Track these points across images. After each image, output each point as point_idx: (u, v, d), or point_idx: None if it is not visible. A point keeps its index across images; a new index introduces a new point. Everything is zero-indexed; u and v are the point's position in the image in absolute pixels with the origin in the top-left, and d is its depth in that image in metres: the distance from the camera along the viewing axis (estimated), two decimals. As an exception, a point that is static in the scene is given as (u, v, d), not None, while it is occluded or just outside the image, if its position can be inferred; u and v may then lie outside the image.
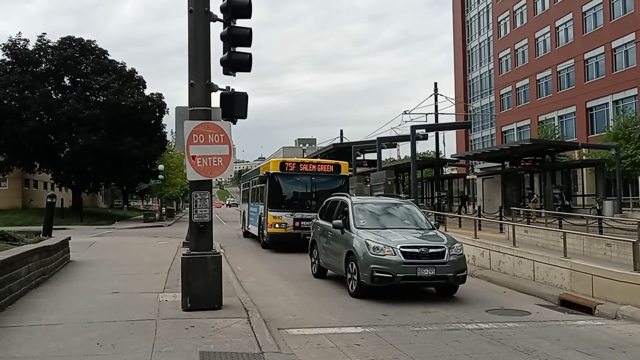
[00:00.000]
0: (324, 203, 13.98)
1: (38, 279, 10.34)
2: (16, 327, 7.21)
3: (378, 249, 10.10)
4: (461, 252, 10.62)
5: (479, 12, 70.65)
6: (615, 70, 43.74)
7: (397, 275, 9.87)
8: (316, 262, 13.08)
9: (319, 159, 23.64)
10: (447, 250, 10.22)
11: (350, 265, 10.69)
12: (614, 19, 44.07)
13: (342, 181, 19.55)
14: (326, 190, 18.86)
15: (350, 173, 21.72)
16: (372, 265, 9.96)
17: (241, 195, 30.95)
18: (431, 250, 10.19)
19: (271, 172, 19.21)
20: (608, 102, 44.60)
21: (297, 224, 18.59)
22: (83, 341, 6.60)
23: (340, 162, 20.69)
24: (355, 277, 10.38)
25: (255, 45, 8.85)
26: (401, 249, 10.02)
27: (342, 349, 6.96)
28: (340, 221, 11.57)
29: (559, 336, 7.93)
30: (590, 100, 46.54)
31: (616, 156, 33.06)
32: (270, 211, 18.88)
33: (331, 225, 11.99)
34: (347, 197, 12.84)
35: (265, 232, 19.38)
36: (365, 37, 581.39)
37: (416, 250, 10.10)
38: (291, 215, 18.67)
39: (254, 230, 22.78)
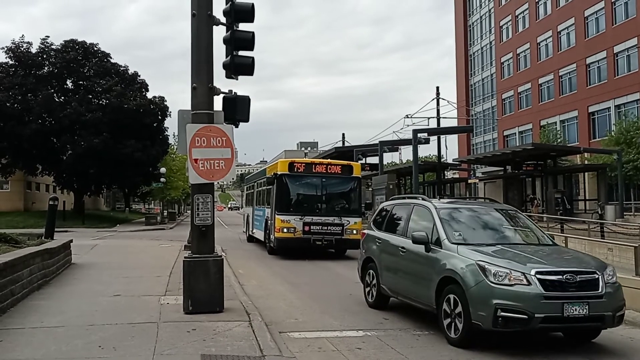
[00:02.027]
0: (379, 209, 10.85)
1: (40, 282, 10.35)
2: (18, 330, 7.21)
3: (501, 276, 6.97)
4: (616, 279, 7.51)
5: (481, 17, 70.74)
6: (618, 75, 43.76)
7: (536, 315, 6.74)
8: (374, 287, 9.87)
9: (329, 160, 21.99)
10: (600, 277, 7.14)
11: (448, 299, 7.50)
12: (616, 23, 44.11)
13: (354, 183, 18.57)
14: (337, 193, 18.68)
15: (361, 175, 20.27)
16: (495, 301, 6.86)
17: (244, 199, 29.69)
18: (580, 278, 7.03)
19: (279, 173, 18.08)
20: (610, 107, 44.59)
21: (306, 228, 17.52)
22: (85, 344, 6.61)
23: (352, 162, 19.71)
24: (461, 316, 7.24)
25: (257, 48, 8.87)
26: (538, 276, 6.92)
27: (343, 353, 6.95)
28: (423, 234, 8.25)
29: (557, 340, 7.93)
30: (592, 104, 46.54)
31: (618, 161, 33.05)
32: (278, 215, 17.73)
33: (402, 239, 9.01)
34: (425, 200, 9.57)
35: (272, 236, 18.32)
36: (368, 41, 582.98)
37: (560, 277, 6.98)
38: (300, 219, 17.56)
39: (259, 234, 21.74)
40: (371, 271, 9.98)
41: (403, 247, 8.88)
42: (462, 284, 7.25)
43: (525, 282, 6.90)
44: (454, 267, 7.48)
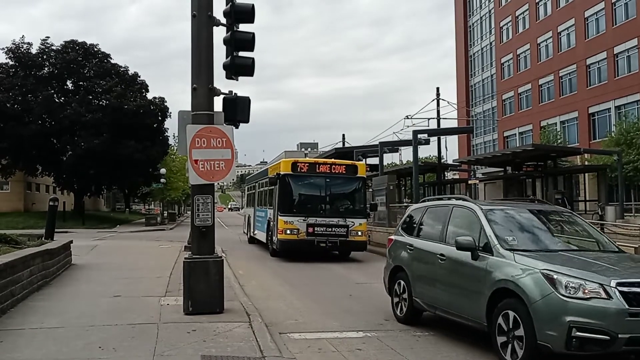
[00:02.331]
0: (408, 212, 9.79)
1: (40, 282, 10.34)
2: (18, 330, 7.21)
3: (573, 288, 5.87)
4: None
5: (481, 17, 70.77)
6: (618, 76, 43.77)
7: (619, 335, 5.64)
8: (404, 300, 8.75)
9: (333, 160, 20.72)
10: None
11: (506, 315, 6.39)
12: (616, 24, 44.12)
13: (358, 183, 18.20)
14: (342, 194, 18.43)
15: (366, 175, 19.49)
16: (568, 318, 5.74)
17: (245, 199, 28.58)
18: None
19: (282, 173, 17.61)
20: (610, 108, 44.60)
21: (310, 230, 17.03)
22: (84, 344, 6.61)
23: (357, 162, 19.51)
24: (522, 337, 6.12)
25: (258, 49, 8.87)
26: (619, 288, 5.80)
27: (343, 354, 6.95)
28: (469, 239, 7.15)
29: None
30: (592, 105, 46.56)
31: (618, 161, 33.03)
32: (280, 216, 17.26)
33: (441, 246, 7.96)
34: (466, 201, 8.54)
35: (274, 238, 17.79)
36: (369, 42, 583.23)
37: None
38: (304, 220, 17.09)
39: (261, 236, 21.19)
40: (401, 282, 8.86)
41: (442, 255, 7.80)
42: (523, 298, 6.12)
43: (603, 295, 5.75)
44: (512, 278, 6.37)
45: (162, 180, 46.06)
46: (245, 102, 8.88)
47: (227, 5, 8.70)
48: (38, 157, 41.20)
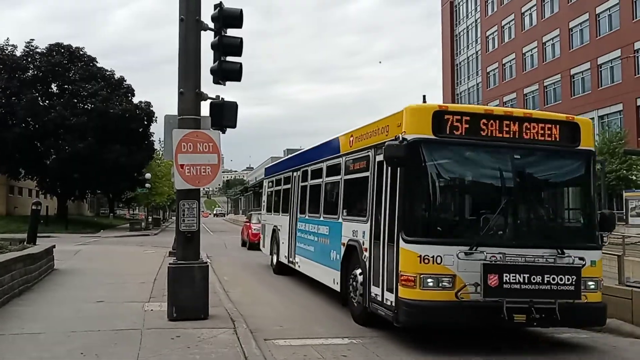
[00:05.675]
0: None
1: (21, 287, 10.21)
2: (-2, 336, 7.10)
3: None
4: None
5: (467, 27, 71.36)
6: (601, 86, 44.36)
7: None
8: None
9: (524, 110, 9.52)
10: None
11: None
12: (600, 35, 44.75)
13: (582, 165, 8.40)
14: (550, 191, 8.91)
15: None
16: None
17: (265, 200, 18.30)
18: None
19: (410, 138, 7.64)
20: (594, 117, 45.09)
21: (493, 279, 7.13)
22: (67, 351, 6.52)
23: (576, 118, 9.09)
24: None
25: (246, 54, 8.87)
26: None
27: (328, 360, 6.92)
28: None
29: (542, 349, 7.97)
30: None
31: (601, 170, 33.38)
32: (406, 242, 7.47)
33: None
34: None
35: (381, 292, 8.14)
36: (357, 49, 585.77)
37: None
38: (470, 254, 7.36)
39: (317, 271, 11.75)
40: None
41: None
42: None
43: None
44: None
45: (147, 185, 45.75)
46: (233, 107, 8.85)
47: (215, 10, 8.69)
48: (21, 161, 40.76)
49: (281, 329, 8.69)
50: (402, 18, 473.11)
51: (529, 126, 8.11)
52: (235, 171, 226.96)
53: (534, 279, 7.14)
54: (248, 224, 26.02)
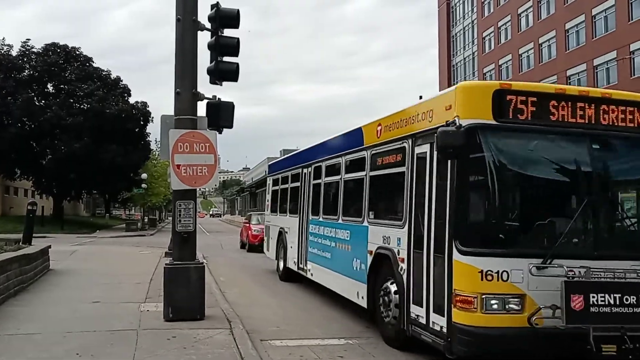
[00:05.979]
0: None
1: (17, 288, 10.18)
2: (-6, 336, 7.08)
3: None
4: None
5: (464, 28, 71.52)
6: (597, 87, 44.50)
7: None
8: None
9: (602, 90, 8.45)
10: None
11: None
12: (596, 37, 44.87)
13: None
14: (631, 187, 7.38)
15: None
16: None
17: (270, 198, 16.69)
18: None
19: (463, 122, 6.07)
20: (590, 119, 45.30)
21: (578, 301, 5.63)
22: (63, 351, 6.50)
23: None
24: None
25: (243, 55, 8.86)
26: None
27: (325, 361, 6.92)
28: None
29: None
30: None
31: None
32: (462, 255, 5.98)
33: None
34: None
35: (441, 317, 6.33)
36: (354, 49, 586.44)
37: None
38: (543, 268, 5.89)
39: (334, 282, 10.33)
40: None
41: None
42: None
43: None
44: None
45: (143, 185, 45.71)
46: (229, 107, 8.86)
47: (212, 10, 8.69)
48: (17, 161, 40.67)
49: (278, 329, 8.69)
50: (400, 18, 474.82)
51: (607, 109, 6.59)
52: (232, 172, 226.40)
53: (627, 299, 5.69)
54: (247, 225, 25.56)
